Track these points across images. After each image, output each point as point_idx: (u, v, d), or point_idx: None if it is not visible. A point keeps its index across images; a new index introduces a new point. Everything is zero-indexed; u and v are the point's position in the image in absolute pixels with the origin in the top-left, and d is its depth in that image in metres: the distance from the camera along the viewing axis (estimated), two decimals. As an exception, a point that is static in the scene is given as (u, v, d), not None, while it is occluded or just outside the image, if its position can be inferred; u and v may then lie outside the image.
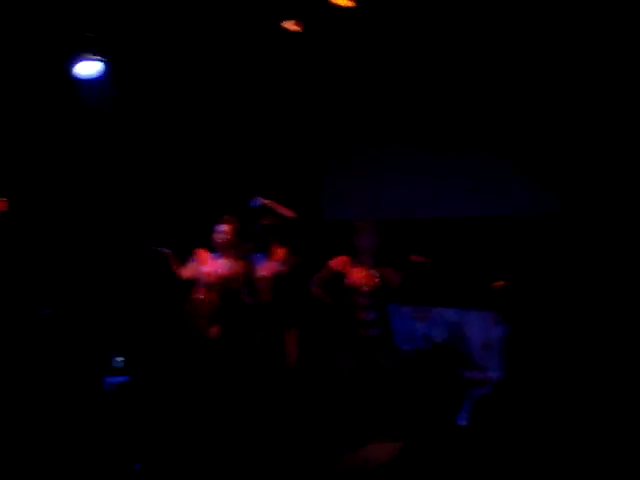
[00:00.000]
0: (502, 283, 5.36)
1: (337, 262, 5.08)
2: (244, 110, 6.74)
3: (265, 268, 5.32)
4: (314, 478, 4.25)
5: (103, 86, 5.89)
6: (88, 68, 5.73)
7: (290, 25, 5.61)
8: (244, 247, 5.35)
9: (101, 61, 5.77)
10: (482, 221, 5.93)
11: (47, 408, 5.09)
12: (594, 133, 5.47)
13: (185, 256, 5.36)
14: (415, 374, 5.62)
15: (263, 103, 6.69)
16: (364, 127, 6.69)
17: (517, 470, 4.24)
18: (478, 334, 5.56)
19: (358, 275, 5.02)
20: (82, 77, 5.76)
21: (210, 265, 5.31)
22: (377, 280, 5.01)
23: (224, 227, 5.31)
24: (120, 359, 6.02)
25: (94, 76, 5.81)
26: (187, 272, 5.32)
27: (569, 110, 5.57)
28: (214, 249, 5.33)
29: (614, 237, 5.30)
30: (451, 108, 6.18)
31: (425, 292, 5.82)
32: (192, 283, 5.31)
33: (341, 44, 5.98)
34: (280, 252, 5.29)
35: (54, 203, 6.42)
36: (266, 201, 5.23)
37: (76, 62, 5.66)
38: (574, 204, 5.58)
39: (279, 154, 6.86)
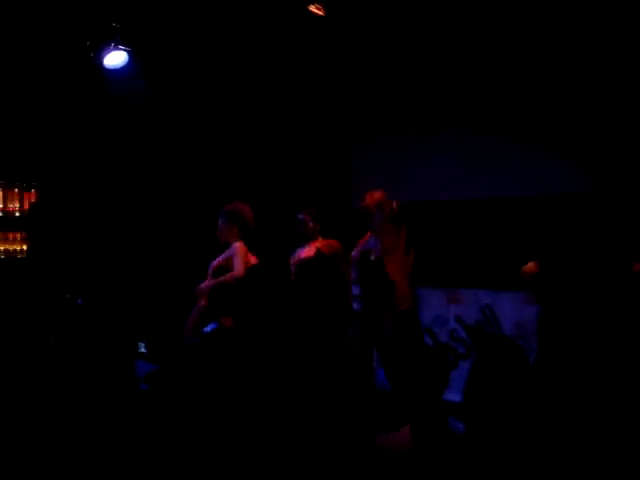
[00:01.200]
0: (533, 264, 5.30)
1: (362, 241, 5.16)
2: (269, 101, 6.72)
3: (300, 253, 5.45)
4: (349, 461, 4.26)
5: (129, 76, 5.91)
6: (114, 58, 5.76)
7: (313, 9, 5.59)
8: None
9: (126, 51, 5.79)
10: (512, 201, 5.88)
11: (77, 396, 5.15)
12: (627, 112, 5.37)
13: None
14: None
15: (289, 94, 6.67)
16: (389, 113, 6.63)
17: (553, 454, 4.19)
18: (511, 315, 5.53)
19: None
20: (108, 67, 5.79)
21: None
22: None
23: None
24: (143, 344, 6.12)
25: (119, 66, 5.84)
26: None
27: (599, 90, 5.47)
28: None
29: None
30: (477, 89, 6.11)
31: (457, 274, 5.79)
32: None
33: (361, 29, 5.94)
34: (318, 240, 5.44)
35: (85, 193, 6.48)
36: None
37: (102, 52, 5.68)
38: (606, 184, 5.50)
39: (307, 146, 6.84)
